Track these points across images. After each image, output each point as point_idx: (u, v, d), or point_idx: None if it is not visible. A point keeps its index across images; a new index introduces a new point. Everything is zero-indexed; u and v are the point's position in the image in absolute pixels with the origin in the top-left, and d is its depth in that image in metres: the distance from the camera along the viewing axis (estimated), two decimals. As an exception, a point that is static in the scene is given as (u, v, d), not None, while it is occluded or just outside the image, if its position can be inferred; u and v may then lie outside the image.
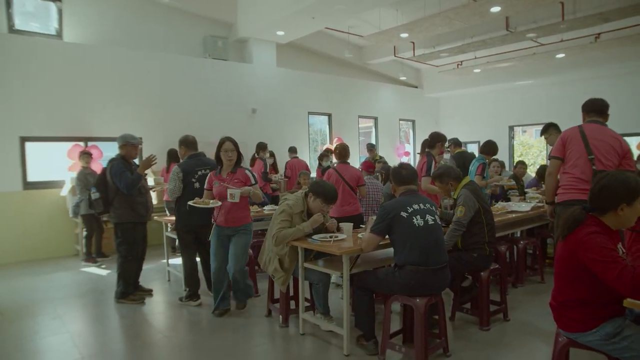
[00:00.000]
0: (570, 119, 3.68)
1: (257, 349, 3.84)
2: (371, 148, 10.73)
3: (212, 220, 4.53)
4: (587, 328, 2.40)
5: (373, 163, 7.20)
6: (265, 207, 6.07)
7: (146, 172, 5.23)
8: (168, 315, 4.82)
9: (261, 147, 8.99)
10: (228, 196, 4.21)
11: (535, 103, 13.08)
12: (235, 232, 4.47)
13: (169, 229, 5.74)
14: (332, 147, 11.40)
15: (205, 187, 4.54)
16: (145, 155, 8.42)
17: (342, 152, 5.71)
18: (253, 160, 8.97)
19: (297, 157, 9.83)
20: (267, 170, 8.64)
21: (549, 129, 5.45)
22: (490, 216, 4.10)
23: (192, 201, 4.34)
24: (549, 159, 4.06)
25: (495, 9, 8.34)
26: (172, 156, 7.58)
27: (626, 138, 11.09)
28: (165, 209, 7.54)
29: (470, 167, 6.50)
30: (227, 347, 3.84)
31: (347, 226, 4.11)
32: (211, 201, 4.32)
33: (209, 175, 4.57)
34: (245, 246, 4.49)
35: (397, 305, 4.06)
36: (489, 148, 6.45)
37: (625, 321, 2.37)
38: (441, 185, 4.26)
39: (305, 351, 3.82)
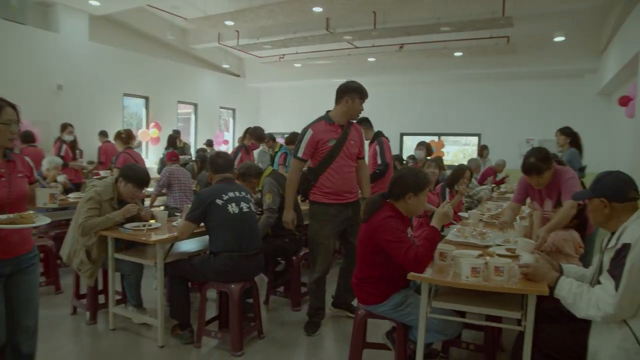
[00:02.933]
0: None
1: (60, 351, 3.49)
2: (176, 135, 10.48)
3: None
4: (381, 300, 2.77)
5: (176, 152, 7.03)
6: (70, 195, 5.53)
7: None
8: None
9: (61, 127, 7.85)
10: (45, 200, 2.49)
11: (349, 100, 14.18)
12: (25, 265, 2.44)
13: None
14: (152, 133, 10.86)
15: None
16: None
17: (129, 137, 5.53)
18: (56, 142, 7.97)
19: (109, 142, 9.09)
20: (63, 154, 7.62)
21: (362, 123, 5.53)
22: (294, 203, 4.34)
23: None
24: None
25: (318, 9, 8.86)
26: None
27: (415, 137, 12.80)
28: None
29: (276, 158, 6.83)
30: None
31: (162, 214, 3.99)
32: (36, 215, 2.35)
33: None
34: (38, 286, 2.62)
35: (213, 292, 4.10)
36: (293, 139, 6.84)
37: (409, 291, 2.80)
38: (244, 184, 4.26)
39: (117, 347, 3.61)
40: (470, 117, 13.09)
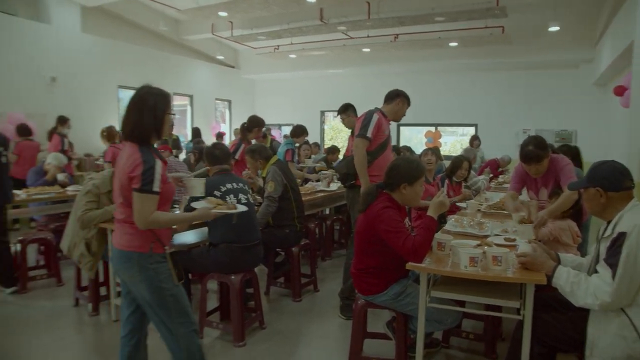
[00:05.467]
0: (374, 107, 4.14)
1: (64, 342, 3.52)
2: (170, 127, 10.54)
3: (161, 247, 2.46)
4: (380, 290, 2.79)
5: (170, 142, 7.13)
6: (69, 188, 5.51)
7: None
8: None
9: (60, 120, 7.83)
10: (202, 190, 2.67)
11: (345, 91, 14.08)
12: None
13: None
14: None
15: (157, 187, 2.24)
16: None
17: (111, 134, 6.30)
18: (50, 135, 7.92)
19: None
20: (65, 148, 7.63)
21: (348, 110, 5.46)
22: (297, 193, 4.39)
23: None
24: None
25: (311, 0, 8.81)
26: None
27: (412, 128, 12.89)
28: None
29: (279, 150, 6.77)
30: (28, 343, 3.45)
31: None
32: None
33: (158, 164, 2.26)
34: None
35: (214, 283, 4.12)
36: (298, 131, 6.83)
37: (408, 281, 2.83)
38: (251, 160, 4.42)
39: (119, 338, 3.63)
40: (466, 107, 13.08)
